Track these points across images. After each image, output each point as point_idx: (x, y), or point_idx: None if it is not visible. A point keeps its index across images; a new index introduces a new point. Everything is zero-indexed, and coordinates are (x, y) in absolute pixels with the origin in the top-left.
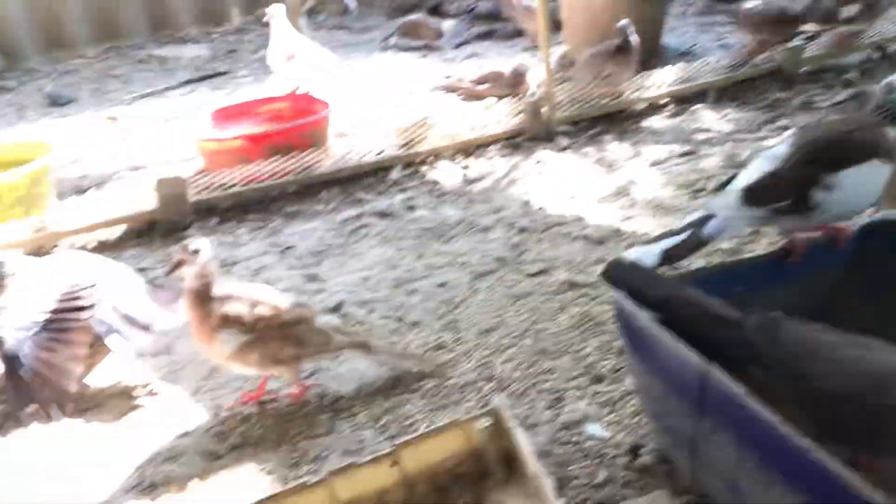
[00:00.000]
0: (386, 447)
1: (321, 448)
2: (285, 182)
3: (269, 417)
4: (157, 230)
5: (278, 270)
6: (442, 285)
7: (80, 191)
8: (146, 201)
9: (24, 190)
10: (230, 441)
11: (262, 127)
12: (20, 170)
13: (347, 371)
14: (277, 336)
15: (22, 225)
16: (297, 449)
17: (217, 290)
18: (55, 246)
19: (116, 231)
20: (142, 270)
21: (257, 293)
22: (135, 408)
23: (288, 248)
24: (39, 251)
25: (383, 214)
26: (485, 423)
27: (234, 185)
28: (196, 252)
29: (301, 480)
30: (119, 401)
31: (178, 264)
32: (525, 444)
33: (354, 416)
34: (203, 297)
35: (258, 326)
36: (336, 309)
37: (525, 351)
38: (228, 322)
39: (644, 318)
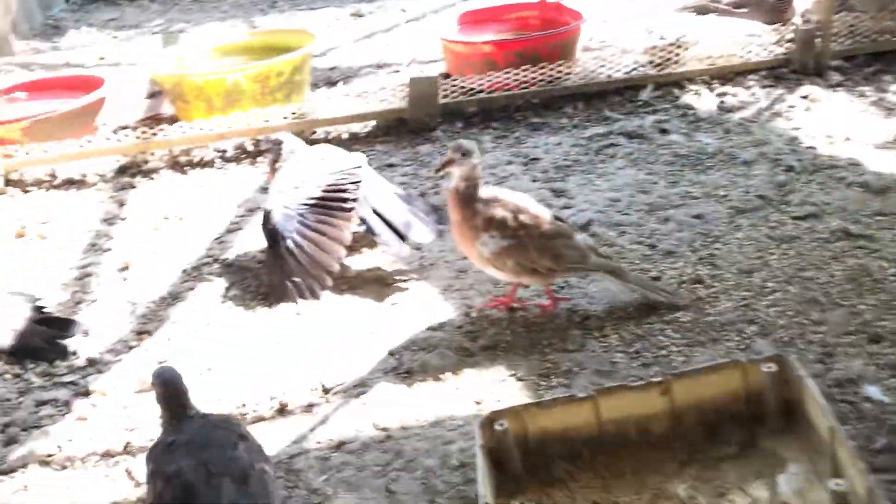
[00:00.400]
0: (640, 373)
1: (573, 363)
2: (531, 92)
3: (519, 325)
4: (406, 128)
5: (523, 181)
6: (698, 217)
7: (331, 82)
8: (396, 99)
9: (287, 76)
10: (481, 341)
11: (513, 34)
12: (286, 56)
13: (599, 291)
14: (536, 245)
15: (283, 110)
16: (547, 360)
17: (483, 192)
18: (313, 133)
19: (367, 125)
20: (390, 166)
21: (521, 201)
22: (391, 295)
23: (533, 159)
24: (298, 136)
25: (633, 135)
26: (768, 367)
27: (480, 91)
28: (466, 153)
29: (552, 391)
30: (376, 287)
31: (448, 163)
32: (818, 396)
33: (606, 338)
34: (469, 199)
35: (519, 233)
36: (585, 227)
37: (791, 298)
38: (492, 225)
39: None
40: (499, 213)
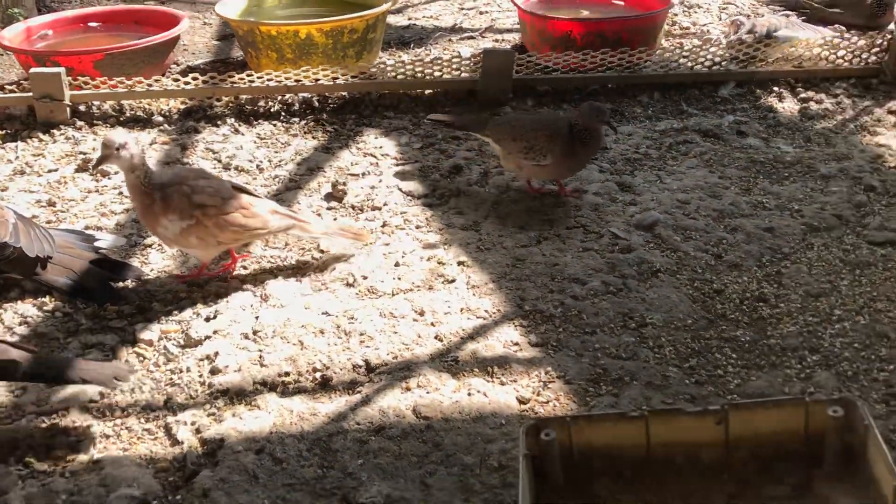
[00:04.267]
0: (692, 391)
1: (624, 372)
2: (607, 77)
3: (572, 324)
4: (476, 100)
5: (590, 171)
6: (769, 230)
7: (403, 42)
8: (469, 69)
9: (361, 33)
10: (532, 336)
11: (596, 12)
12: (362, 13)
13: (658, 298)
14: (215, 223)
15: (352, 69)
16: (598, 365)
17: (161, 176)
18: (380, 95)
19: (436, 93)
20: (455, 139)
21: (199, 180)
22: (442, 278)
23: (601, 148)
24: (365, 98)
25: (708, 134)
26: (835, 410)
27: (555, 70)
28: (121, 147)
29: (600, 400)
30: (428, 269)
31: (102, 160)
32: (885, 450)
33: (661, 349)
34: (144, 187)
35: (196, 213)
36: (650, 228)
37: (859, 329)
38: (169, 209)
39: None
40: (175, 197)
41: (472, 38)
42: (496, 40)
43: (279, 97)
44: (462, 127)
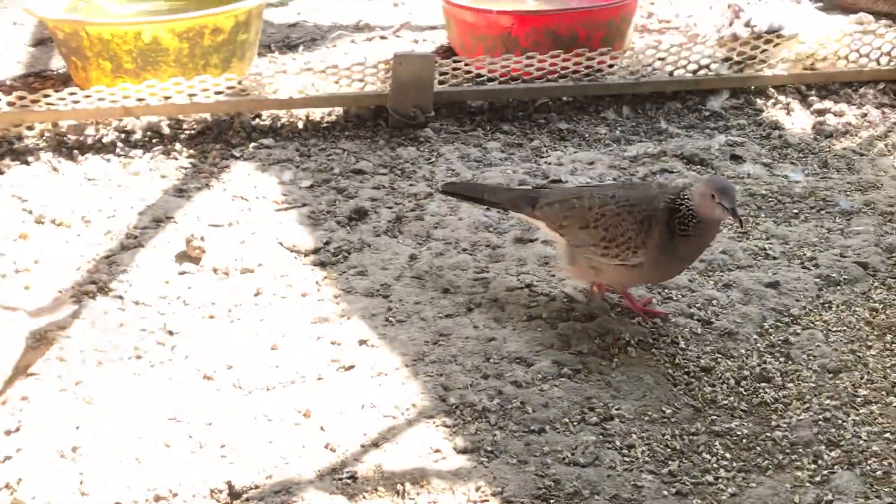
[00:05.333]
0: None
1: (582, 483)
2: (560, 87)
3: (514, 420)
4: (385, 122)
5: None
6: (773, 285)
7: (289, 45)
8: (376, 80)
9: (227, 34)
10: (459, 439)
11: (545, 3)
12: (228, 6)
13: (628, 381)
14: None
15: (218, 82)
16: (548, 475)
17: None
18: (255, 116)
19: (333, 112)
20: (358, 173)
21: None
22: (340, 359)
23: (554, 181)
24: (234, 120)
25: (693, 160)
26: None
27: (491, 79)
28: None
29: None
30: (321, 345)
31: None
32: None
33: (631, 449)
34: None
35: None
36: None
37: (892, 414)
38: None
39: None
40: None
41: (383, 38)
42: (415, 41)
43: (115, 123)
44: (496, 204)
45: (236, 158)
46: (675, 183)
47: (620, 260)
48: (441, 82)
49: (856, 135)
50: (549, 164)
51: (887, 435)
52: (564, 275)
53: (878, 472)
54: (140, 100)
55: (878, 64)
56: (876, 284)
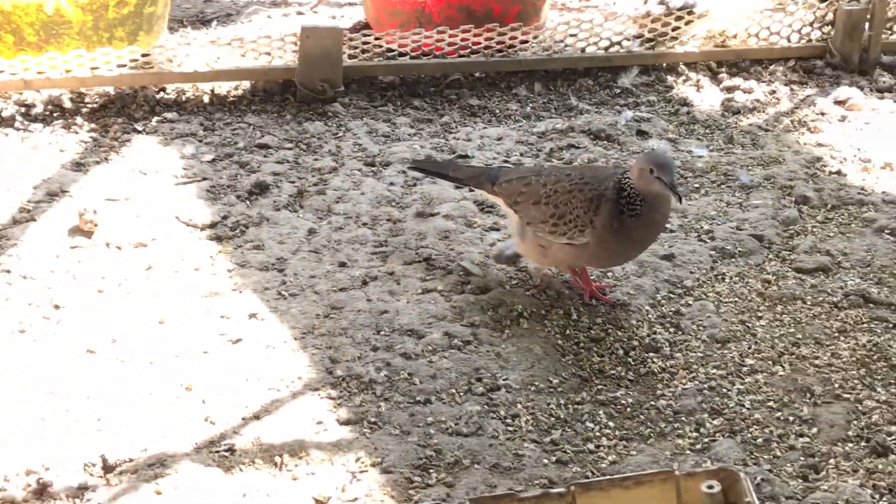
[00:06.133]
0: (553, 474)
1: (463, 452)
2: (472, 63)
3: (400, 392)
4: (294, 96)
5: (442, 185)
6: (668, 258)
7: (203, 20)
8: (285, 53)
9: (133, 6)
10: (343, 411)
11: None
12: None
13: (517, 352)
14: None
15: (121, 54)
16: (430, 445)
17: None
18: (160, 90)
19: (240, 86)
20: (263, 147)
21: None
22: (228, 331)
23: (461, 156)
24: (138, 94)
25: (600, 135)
26: (710, 486)
27: (402, 54)
28: None
29: (429, 492)
30: (210, 316)
31: None
32: None
33: (515, 419)
34: None
35: None
36: (512, 261)
37: (776, 383)
38: None
39: None
40: None
41: (300, 13)
42: (333, 17)
43: (13, 96)
44: (458, 180)
45: (139, 132)
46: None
47: (568, 238)
48: (352, 57)
49: (763, 111)
50: (458, 139)
51: (770, 403)
52: (518, 249)
53: (759, 440)
54: (40, 73)
55: (789, 41)
56: (770, 257)
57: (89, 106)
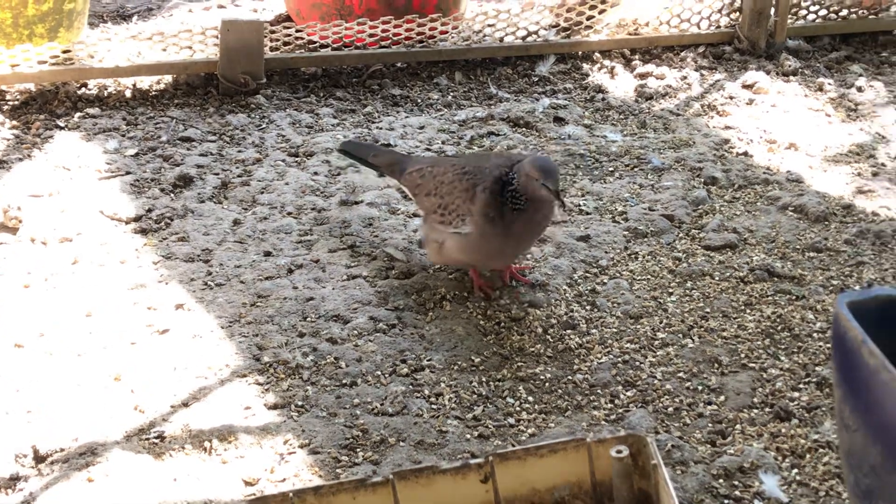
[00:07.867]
0: (475, 448)
1: (389, 431)
2: (394, 53)
3: (326, 376)
4: (216, 89)
5: (365, 175)
6: (584, 239)
7: (123, 15)
8: (207, 47)
9: (52, 3)
10: (270, 396)
11: None
12: None
13: (441, 333)
14: None
15: (41, 51)
16: (356, 426)
17: None
18: (81, 86)
19: (162, 80)
20: (186, 141)
21: None
22: (155, 322)
23: (384, 145)
24: (60, 90)
25: (519, 122)
26: (619, 451)
27: (324, 45)
28: None
29: (356, 470)
30: (137, 308)
31: None
32: (671, 495)
33: (438, 397)
34: None
35: None
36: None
37: (686, 355)
38: None
39: (878, 352)
40: None
41: (221, 6)
42: (255, 10)
43: None
44: (376, 167)
45: (61, 129)
46: (518, 154)
47: (454, 227)
48: (274, 49)
49: (675, 96)
50: (381, 128)
51: (680, 374)
52: (425, 244)
53: (670, 409)
54: None
55: (699, 28)
56: (681, 235)
57: (10, 103)
